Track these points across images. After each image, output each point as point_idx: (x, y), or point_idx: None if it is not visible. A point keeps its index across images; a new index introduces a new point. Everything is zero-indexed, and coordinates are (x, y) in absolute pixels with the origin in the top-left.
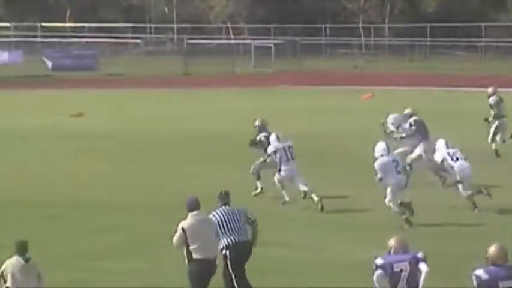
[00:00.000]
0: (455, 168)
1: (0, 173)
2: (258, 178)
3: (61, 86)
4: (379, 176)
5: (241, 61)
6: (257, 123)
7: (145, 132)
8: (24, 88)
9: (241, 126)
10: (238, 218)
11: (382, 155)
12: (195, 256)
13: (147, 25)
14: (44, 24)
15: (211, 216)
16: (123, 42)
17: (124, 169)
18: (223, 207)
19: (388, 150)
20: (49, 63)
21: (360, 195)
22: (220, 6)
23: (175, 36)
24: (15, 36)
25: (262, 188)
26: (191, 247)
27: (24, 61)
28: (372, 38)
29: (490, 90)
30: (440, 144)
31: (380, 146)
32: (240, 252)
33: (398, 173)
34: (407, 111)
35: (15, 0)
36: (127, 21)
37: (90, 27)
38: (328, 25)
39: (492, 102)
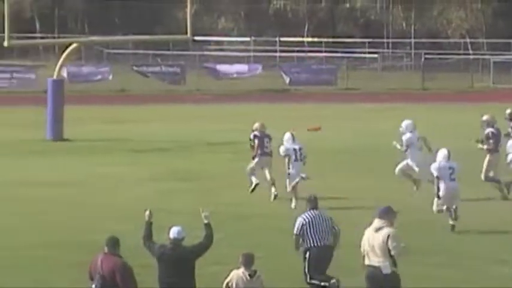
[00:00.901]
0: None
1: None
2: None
3: (299, 100)
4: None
5: (479, 76)
6: (484, 118)
7: (382, 146)
8: (264, 101)
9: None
10: (325, 223)
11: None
12: None
13: (384, 40)
14: (282, 38)
15: (299, 219)
16: (360, 57)
17: (360, 184)
18: (312, 211)
19: (449, 157)
20: (287, 78)
21: None
22: (459, 21)
23: (412, 51)
24: (254, 51)
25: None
26: None
27: (263, 75)
28: None
29: None
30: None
31: (441, 153)
32: (322, 256)
33: (451, 180)
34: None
35: (255, 15)
36: (364, 36)
37: (328, 42)
38: None
39: None
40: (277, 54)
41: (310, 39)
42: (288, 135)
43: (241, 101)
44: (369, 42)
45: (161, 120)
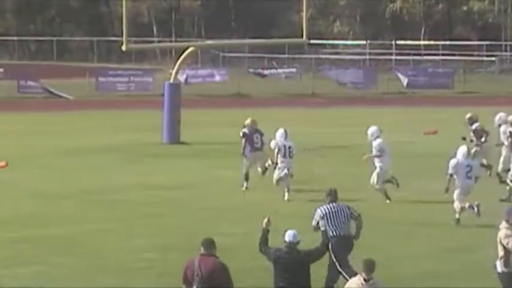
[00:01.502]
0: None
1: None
2: None
3: (416, 103)
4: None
5: None
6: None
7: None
8: (379, 105)
9: None
10: (344, 214)
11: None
12: None
13: (502, 43)
14: (398, 42)
15: (318, 211)
16: (477, 60)
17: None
18: (330, 203)
19: (468, 155)
20: (404, 81)
21: None
22: None
23: None
24: (370, 54)
25: None
26: None
27: (379, 79)
28: None
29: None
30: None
31: (461, 150)
32: (342, 245)
33: (468, 178)
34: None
35: (371, 18)
36: (481, 39)
37: (444, 45)
38: None
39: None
40: (393, 57)
41: (426, 42)
42: (281, 131)
43: (356, 104)
44: (486, 45)
45: (276, 123)
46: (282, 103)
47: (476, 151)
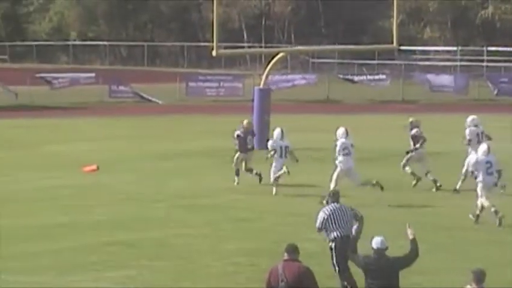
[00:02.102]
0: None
1: None
2: None
3: (506, 110)
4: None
5: None
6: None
7: None
8: (468, 112)
9: None
10: (346, 214)
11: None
12: None
13: None
14: (490, 48)
15: (321, 213)
16: None
17: None
18: (333, 204)
19: (488, 152)
20: (495, 89)
21: None
22: None
23: None
24: (461, 60)
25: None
26: None
27: (470, 85)
28: None
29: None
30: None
31: (482, 148)
32: (345, 246)
33: (488, 174)
34: None
35: (462, 24)
36: None
37: None
38: None
39: None
40: (484, 64)
41: None
42: (278, 130)
43: (446, 111)
44: None
45: (365, 130)
46: (371, 109)
47: (411, 156)
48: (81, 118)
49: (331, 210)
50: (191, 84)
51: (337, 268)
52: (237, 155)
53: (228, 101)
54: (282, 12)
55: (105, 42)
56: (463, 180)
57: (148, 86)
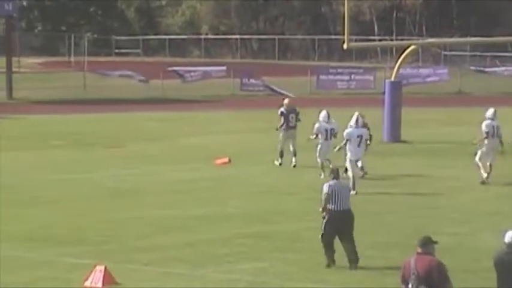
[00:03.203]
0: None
1: None
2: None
3: None
4: None
5: None
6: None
7: None
8: None
9: None
10: (344, 190)
11: None
12: None
13: None
14: None
15: (325, 184)
16: None
17: None
18: (333, 180)
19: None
20: None
21: None
22: None
23: None
24: None
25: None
26: None
27: None
28: None
29: None
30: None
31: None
32: (340, 218)
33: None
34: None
35: None
36: None
37: None
38: None
39: None
40: None
41: None
42: (324, 113)
43: None
44: None
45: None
46: (503, 101)
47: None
48: (214, 111)
49: (332, 184)
50: (322, 77)
51: (321, 234)
52: (281, 134)
53: (359, 94)
54: (413, 4)
55: (237, 36)
56: None
57: (279, 79)
